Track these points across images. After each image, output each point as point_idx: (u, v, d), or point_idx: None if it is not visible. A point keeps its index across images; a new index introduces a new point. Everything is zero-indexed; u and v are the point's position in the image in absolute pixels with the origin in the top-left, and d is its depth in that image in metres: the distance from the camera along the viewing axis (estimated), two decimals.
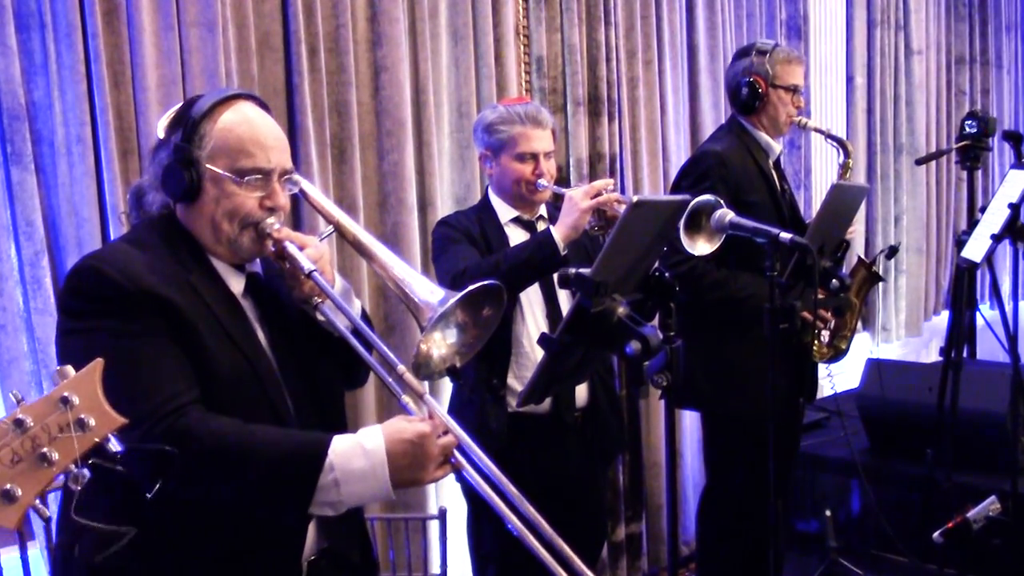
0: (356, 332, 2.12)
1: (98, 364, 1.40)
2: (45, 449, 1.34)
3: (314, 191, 2.35)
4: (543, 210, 3.47)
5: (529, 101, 3.52)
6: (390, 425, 2.01)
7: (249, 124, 2.10)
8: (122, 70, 3.16)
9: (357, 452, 1.96)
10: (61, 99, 3.04)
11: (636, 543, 4.88)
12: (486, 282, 2.15)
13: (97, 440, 1.38)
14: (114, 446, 1.40)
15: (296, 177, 2.19)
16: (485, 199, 3.48)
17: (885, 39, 6.57)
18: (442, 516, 3.41)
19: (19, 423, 1.34)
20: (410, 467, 1.97)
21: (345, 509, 1.99)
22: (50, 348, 3.03)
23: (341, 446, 1.96)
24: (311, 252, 2.11)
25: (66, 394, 1.36)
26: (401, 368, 2.04)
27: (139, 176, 3.01)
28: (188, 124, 2.07)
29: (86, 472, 1.35)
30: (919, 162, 5.72)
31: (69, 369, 1.38)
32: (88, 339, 1.94)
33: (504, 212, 3.41)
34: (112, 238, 3.07)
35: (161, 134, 2.13)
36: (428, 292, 2.15)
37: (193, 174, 2.05)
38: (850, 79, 6.42)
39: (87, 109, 3.07)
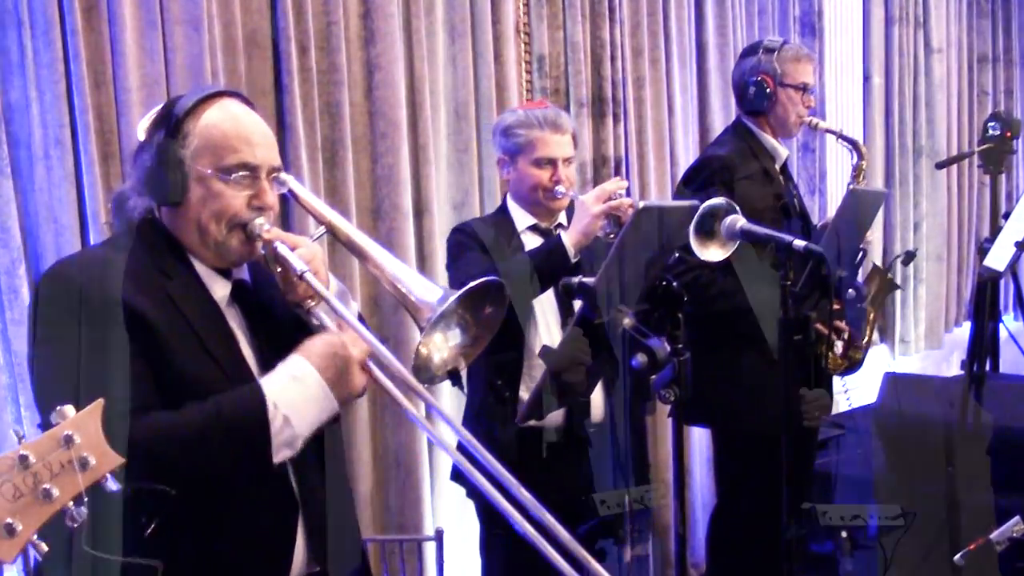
0: None
1: (99, 404, 1.49)
2: (47, 485, 1.43)
3: (304, 191, 2.35)
4: (563, 218, 3.48)
5: (549, 105, 3.53)
6: (303, 348, 2.07)
7: (234, 120, 2.11)
8: (103, 69, 3.16)
9: (289, 383, 2.02)
10: (39, 100, 3.04)
11: (643, 565, 4.87)
12: (486, 279, 2.15)
13: (97, 479, 1.47)
14: (112, 485, 1.48)
15: (284, 176, 2.20)
16: (503, 205, 3.50)
17: (903, 37, 6.58)
18: (439, 538, 3.41)
19: (22, 459, 1.42)
20: (339, 376, 2.05)
21: (302, 444, 2.03)
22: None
23: (273, 385, 2.01)
24: (303, 252, 2.12)
25: (68, 432, 1.44)
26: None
27: (120, 180, 3.03)
28: (171, 123, 2.08)
29: (84, 510, 1.42)
30: (939, 166, 5.72)
31: (69, 409, 1.46)
32: (53, 349, 1.98)
33: (521, 219, 3.42)
34: (97, 246, 3.08)
35: (142, 136, 2.14)
36: (426, 291, 2.15)
37: (177, 175, 2.06)
38: (867, 79, 6.43)
39: (66, 110, 3.07)
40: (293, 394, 2.01)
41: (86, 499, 1.44)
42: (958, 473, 4.10)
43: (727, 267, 3.52)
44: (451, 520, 3.94)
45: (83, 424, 1.45)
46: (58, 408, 1.45)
